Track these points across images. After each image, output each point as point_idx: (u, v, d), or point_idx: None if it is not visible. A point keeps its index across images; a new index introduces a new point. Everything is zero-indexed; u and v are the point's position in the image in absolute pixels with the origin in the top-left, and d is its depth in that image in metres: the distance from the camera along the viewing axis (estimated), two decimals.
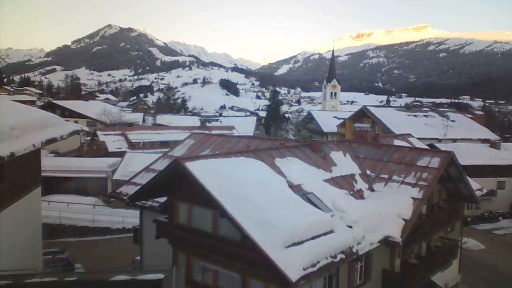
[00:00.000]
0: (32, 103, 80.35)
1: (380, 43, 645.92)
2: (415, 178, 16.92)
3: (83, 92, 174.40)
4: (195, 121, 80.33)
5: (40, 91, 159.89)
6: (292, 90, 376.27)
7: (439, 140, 53.01)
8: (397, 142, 24.05)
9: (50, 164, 40.50)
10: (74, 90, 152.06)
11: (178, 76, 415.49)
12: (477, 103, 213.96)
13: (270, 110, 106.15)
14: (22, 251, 16.64)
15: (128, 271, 15.22)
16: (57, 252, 26.28)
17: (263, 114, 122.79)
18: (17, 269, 13.03)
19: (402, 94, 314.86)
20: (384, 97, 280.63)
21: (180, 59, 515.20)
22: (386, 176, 17.62)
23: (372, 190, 17.10)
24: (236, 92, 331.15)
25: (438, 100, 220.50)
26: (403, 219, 15.01)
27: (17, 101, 25.47)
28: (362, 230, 13.63)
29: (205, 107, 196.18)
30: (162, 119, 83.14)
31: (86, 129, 65.33)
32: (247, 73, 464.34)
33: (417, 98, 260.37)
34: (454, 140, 54.95)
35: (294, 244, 11.48)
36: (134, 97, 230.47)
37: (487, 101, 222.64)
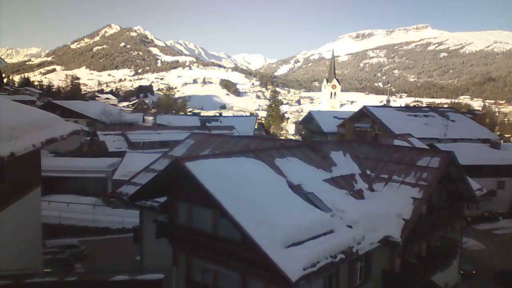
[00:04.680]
0: (32, 103, 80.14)
1: (380, 43, 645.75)
2: (415, 178, 16.91)
3: (83, 92, 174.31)
4: (195, 121, 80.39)
5: (40, 91, 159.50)
6: (292, 90, 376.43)
7: (439, 140, 52.88)
8: (397, 142, 24.07)
9: (50, 164, 40.40)
10: (74, 90, 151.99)
11: (178, 76, 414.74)
12: (477, 103, 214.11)
13: (270, 110, 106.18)
14: (22, 251, 16.64)
15: (128, 271, 15.24)
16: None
17: (263, 114, 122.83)
18: (17, 269, 13.03)
19: (402, 94, 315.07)
20: (384, 97, 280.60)
21: (180, 59, 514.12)
22: (386, 176, 17.61)
23: (372, 190, 17.10)
24: (236, 92, 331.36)
25: (438, 100, 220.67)
26: (403, 219, 15.01)
27: (17, 101, 25.46)
28: (362, 230, 13.62)
29: (205, 107, 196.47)
30: (162, 119, 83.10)
31: (86, 129, 65.42)
32: (247, 73, 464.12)
33: (417, 98, 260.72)
34: (454, 140, 54.82)
35: (294, 244, 11.47)
36: (134, 97, 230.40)
37: (487, 101, 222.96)
